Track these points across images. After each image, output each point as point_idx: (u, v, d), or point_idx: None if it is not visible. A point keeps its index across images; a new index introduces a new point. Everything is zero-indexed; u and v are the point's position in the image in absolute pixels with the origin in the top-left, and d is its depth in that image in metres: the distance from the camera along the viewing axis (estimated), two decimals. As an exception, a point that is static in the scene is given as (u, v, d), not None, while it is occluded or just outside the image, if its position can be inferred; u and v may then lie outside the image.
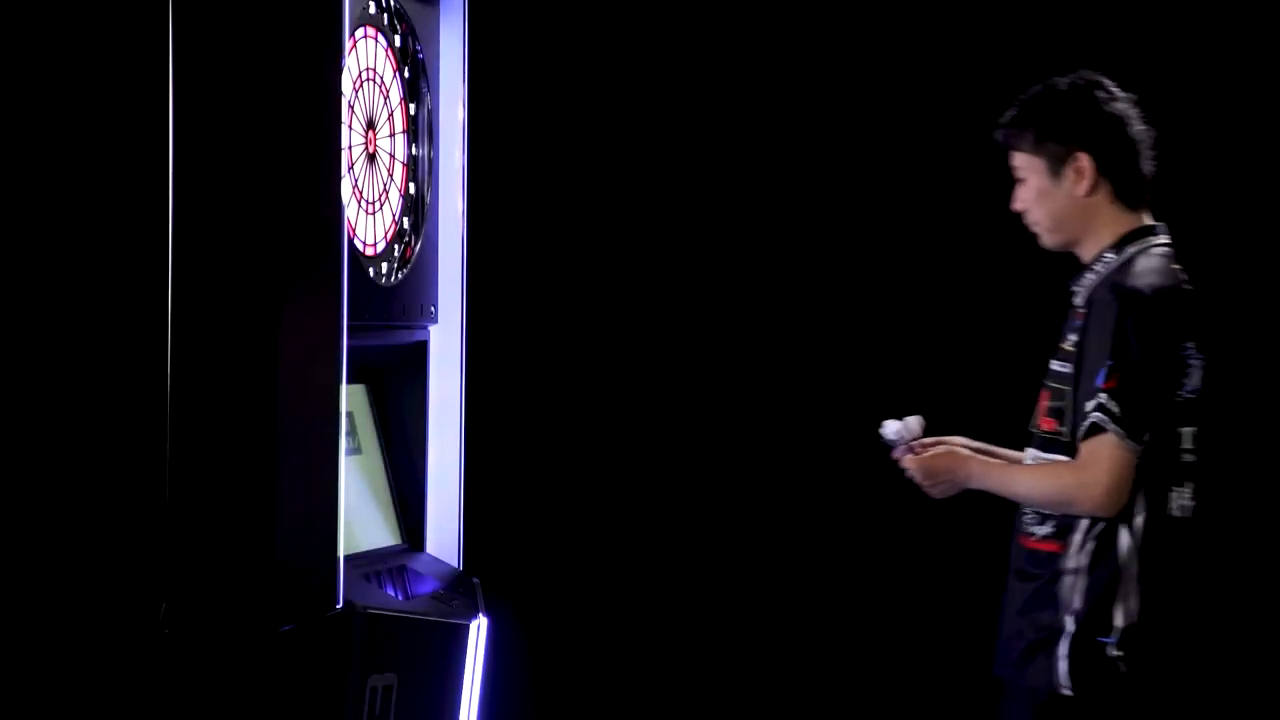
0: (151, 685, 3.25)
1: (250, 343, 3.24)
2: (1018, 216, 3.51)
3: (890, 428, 3.53)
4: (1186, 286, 3.40)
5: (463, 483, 3.98)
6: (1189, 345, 3.37)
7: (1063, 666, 3.34)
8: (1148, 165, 3.45)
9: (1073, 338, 3.37)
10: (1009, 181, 3.48)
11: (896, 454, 3.51)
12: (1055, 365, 3.41)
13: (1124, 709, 3.36)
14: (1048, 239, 3.48)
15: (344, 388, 3.38)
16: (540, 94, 5.18)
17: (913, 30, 5.29)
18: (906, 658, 5.33)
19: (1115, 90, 3.45)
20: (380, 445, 3.96)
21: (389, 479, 3.95)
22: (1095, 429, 3.27)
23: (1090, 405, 3.28)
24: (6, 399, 3.32)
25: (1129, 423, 3.27)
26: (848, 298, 5.35)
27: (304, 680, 3.33)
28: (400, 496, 3.95)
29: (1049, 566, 3.38)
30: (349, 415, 3.70)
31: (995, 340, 5.00)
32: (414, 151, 3.94)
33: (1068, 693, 3.34)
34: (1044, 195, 3.44)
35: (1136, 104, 3.46)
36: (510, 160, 5.06)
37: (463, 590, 3.83)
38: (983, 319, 5.11)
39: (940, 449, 3.47)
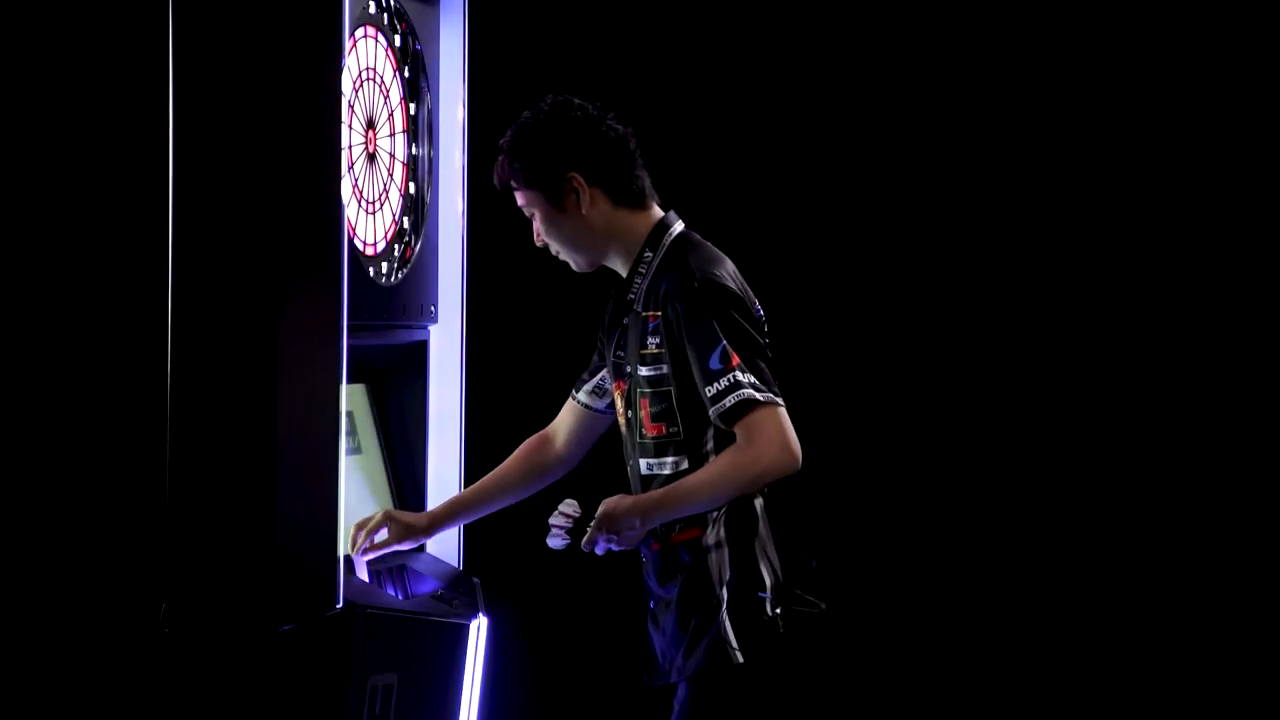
0: (151, 685, 3.25)
1: (250, 342, 3.24)
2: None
3: (559, 530, 3.55)
4: (732, 264, 3.55)
5: (463, 482, 3.98)
6: (758, 308, 3.52)
7: (730, 635, 3.41)
8: (639, 165, 3.57)
9: (654, 340, 3.47)
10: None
11: (584, 543, 3.52)
12: (645, 371, 3.49)
13: (785, 669, 3.43)
14: (576, 263, 3.60)
15: (344, 388, 3.38)
16: (540, 94, 5.18)
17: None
18: (905, 657, 5.33)
19: (584, 104, 3.56)
20: (380, 445, 3.96)
21: (389, 479, 3.96)
22: (743, 405, 3.36)
23: (722, 386, 3.37)
24: (7, 399, 3.32)
25: (765, 384, 3.38)
26: (852, 298, 5.35)
27: (304, 680, 3.33)
28: (400, 496, 3.96)
29: (692, 553, 3.45)
30: (349, 415, 3.70)
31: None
32: (414, 151, 3.94)
33: (739, 658, 3.39)
34: (554, 224, 3.55)
35: (607, 111, 3.57)
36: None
37: (463, 590, 3.83)
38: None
39: (600, 512, 3.46)
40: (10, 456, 3.32)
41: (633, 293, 3.55)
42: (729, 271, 3.50)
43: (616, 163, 3.54)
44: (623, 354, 3.57)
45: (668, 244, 3.54)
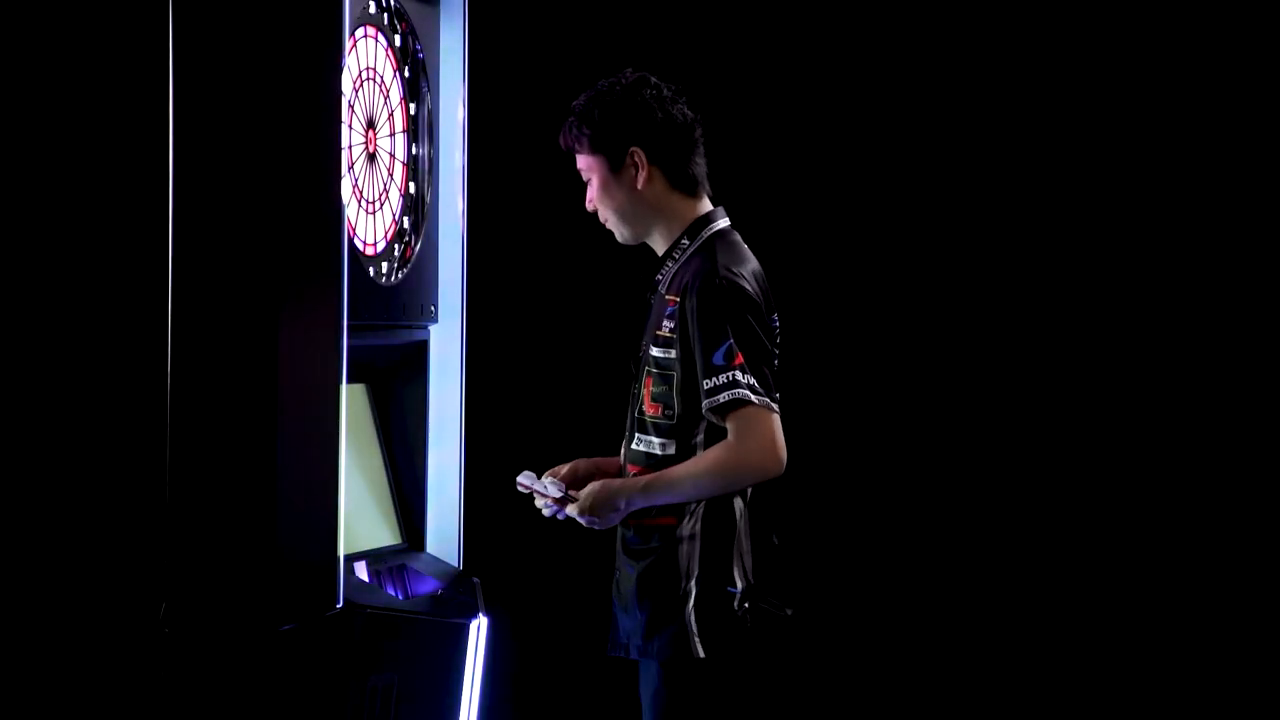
0: (151, 685, 3.25)
1: (250, 343, 3.24)
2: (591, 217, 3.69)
3: (538, 483, 3.60)
4: (759, 269, 3.61)
5: (463, 482, 3.98)
6: (774, 317, 3.59)
7: (695, 632, 3.47)
8: (699, 154, 3.64)
9: (669, 325, 3.53)
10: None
11: (548, 508, 3.58)
12: (655, 352, 3.55)
13: (749, 666, 3.50)
14: (621, 234, 3.67)
15: (344, 388, 3.38)
16: (540, 94, 5.18)
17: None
18: (901, 658, 5.33)
19: (660, 84, 3.62)
20: (380, 445, 3.96)
21: (389, 479, 3.95)
22: (737, 403, 3.43)
23: (719, 382, 3.43)
24: (7, 399, 3.32)
25: (763, 389, 3.44)
26: (855, 298, 5.35)
27: (304, 680, 3.33)
28: (400, 496, 3.95)
29: (664, 539, 3.51)
30: (349, 415, 3.69)
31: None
32: (414, 151, 3.94)
33: (701, 652, 3.46)
34: (608, 193, 3.62)
35: (680, 94, 3.63)
36: (510, 160, 5.06)
37: (463, 590, 3.83)
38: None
39: (584, 493, 3.54)
40: (11, 457, 3.32)
41: (661, 274, 3.61)
42: (753, 275, 3.56)
43: (679, 146, 3.60)
44: (644, 330, 3.63)
45: (705, 237, 3.60)
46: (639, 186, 3.59)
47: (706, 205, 3.64)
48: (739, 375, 3.42)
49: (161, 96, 3.21)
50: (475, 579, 3.90)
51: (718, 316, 3.45)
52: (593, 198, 3.64)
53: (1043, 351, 5.29)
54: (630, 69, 3.63)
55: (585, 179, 3.64)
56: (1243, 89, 5.16)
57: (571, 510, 3.55)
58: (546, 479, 3.61)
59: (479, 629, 3.74)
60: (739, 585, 3.47)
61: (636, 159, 3.58)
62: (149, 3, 3.23)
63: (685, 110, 3.62)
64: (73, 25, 3.31)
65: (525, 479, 3.61)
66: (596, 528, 3.55)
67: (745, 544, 3.49)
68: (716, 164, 3.69)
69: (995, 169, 5.30)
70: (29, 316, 3.32)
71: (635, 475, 3.56)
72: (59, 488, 3.32)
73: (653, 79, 3.61)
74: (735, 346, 3.43)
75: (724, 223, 3.63)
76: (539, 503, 3.62)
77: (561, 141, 3.65)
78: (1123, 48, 5.22)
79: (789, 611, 3.49)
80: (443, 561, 3.95)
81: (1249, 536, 5.19)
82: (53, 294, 3.33)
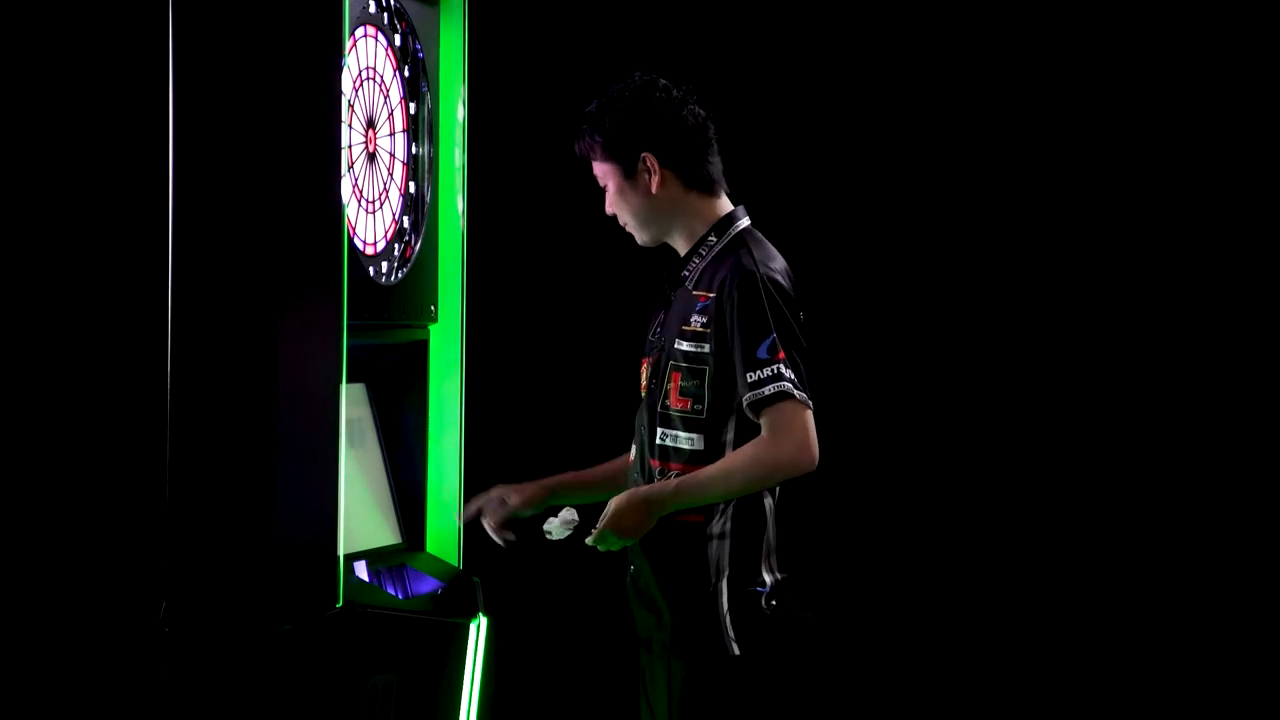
0: (151, 685, 3.25)
1: (250, 342, 3.24)
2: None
3: (557, 528, 3.58)
4: (788, 267, 3.63)
5: (463, 482, 3.98)
6: (801, 315, 3.59)
7: (730, 630, 3.47)
8: (713, 153, 3.65)
9: (701, 319, 3.53)
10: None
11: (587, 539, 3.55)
12: (684, 346, 3.54)
13: (783, 663, 3.51)
14: (641, 238, 3.69)
15: (344, 387, 3.37)
16: (540, 94, 5.18)
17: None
18: (901, 659, 5.33)
19: (670, 86, 3.63)
20: (380, 445, 3.96)
21: (389, 479, 3.95)
22: (778, 396, 3.43)
23: (762, 375, 3.44)
24: (8, 399, 3.32)
25: (802, 385, 3.45)
26: (858, 300, 5.35)
27: (304, 680, 3.33)
28: (400, 496, 3.95)
29: (693, 536, 3.50)
30: (349, 415, 3.70)
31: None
32: (414, 150, 3.94)
33: (736, 649, 3.46)
34: (624, 198, 3.64)
35: (691, 95, 3.63)
36: (510, 160, 5.06)
37: (463, 590, 3.83)
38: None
39: (612, 506, 3.49)
40: (11, 457, 3.32)
41: (687, 270, 3.61)
42: (785, 272, 3.57)
43: (691, 148, 3.61)
44: (660, 329, 3.63)
45: (734, 234, 3.61)
46: (653, 191, 3.59)
47: (727, 204, 3.64)
48: (782, 369, 3.42)
49: (161, 96, 3.21)
50: (475, 579, 3.90)
51: (761, 311, 3.46)
52: (612, 204, 3.65)
53: (1067, 353, 5.30)
54: (639, 73, 3.63)
55: (602, 185, 3.65)
56: (1243, 89, 5.17)
57: (600, 538, 3.46)
58: (565, 515, 3.57)
59: (479, 629, 3.74)
60: (768, 583, 3.47)
61: (648, 164, 3.58)
62: (149, 2, 3.23)
63: (697, 110, 3.61)
64: (73, 24, 3.31)
65: (559, 527, 3.57)
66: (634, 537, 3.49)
67: (774, 542, 3.50)
68: (724, 163, 3.69)
69: (1009, 168, 5.30)
70: (29, 317, 3.32)
71: (661, 471, 3.54)
72: (60, 487, 3.32)
73: (662, 81, 3.61)
74: (779, 341, 3.44)
75: (746, 221, 3.64)
76: (557, 531, 3.57)
77: (577, 149, 3.65)
78: (1160, 52, 5.23)
79: (809, 615, 3.50)
80: (443, 561, 3.95)
81: (1250, 537, 5.20)
82: (53, 293, 3.33)
